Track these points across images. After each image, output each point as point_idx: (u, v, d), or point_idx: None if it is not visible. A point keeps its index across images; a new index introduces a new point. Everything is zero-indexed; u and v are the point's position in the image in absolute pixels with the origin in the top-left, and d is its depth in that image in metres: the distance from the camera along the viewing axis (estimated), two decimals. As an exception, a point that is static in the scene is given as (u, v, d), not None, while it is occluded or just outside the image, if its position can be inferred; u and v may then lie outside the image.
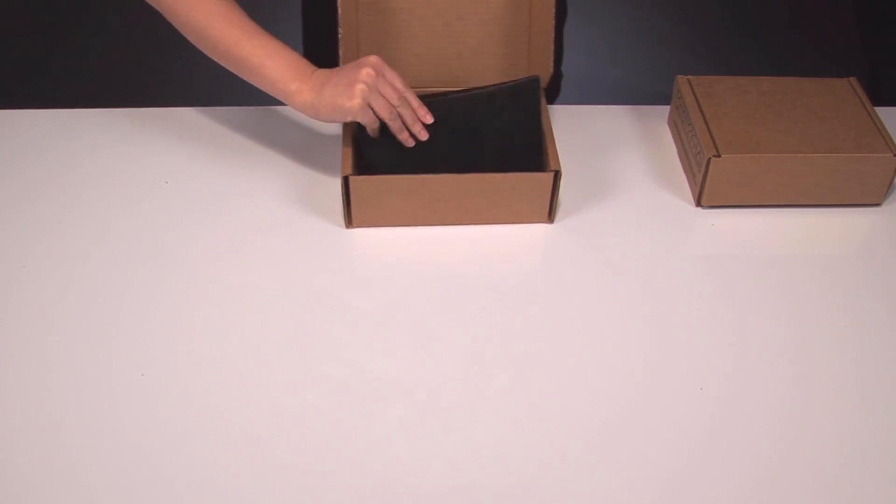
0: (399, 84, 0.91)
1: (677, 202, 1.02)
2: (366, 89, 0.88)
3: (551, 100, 1.15)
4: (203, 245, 0.94)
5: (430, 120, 0.92)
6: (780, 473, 0.76)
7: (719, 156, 0.96)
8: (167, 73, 1.22)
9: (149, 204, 0.99)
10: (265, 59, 0.88)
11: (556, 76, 0.99)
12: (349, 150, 0.94)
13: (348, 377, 0.83)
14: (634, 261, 0.94)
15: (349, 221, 0.96)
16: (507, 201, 0.91)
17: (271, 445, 0.77)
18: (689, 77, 1.08)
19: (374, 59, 0.89)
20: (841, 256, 0.96)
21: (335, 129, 1.09)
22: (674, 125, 1.10)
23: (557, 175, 0.93)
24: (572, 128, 1.10)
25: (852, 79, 1.08)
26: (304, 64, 0.90)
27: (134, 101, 1.13)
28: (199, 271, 0.92)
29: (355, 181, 0.91)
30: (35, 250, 0.93)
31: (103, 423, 0.78)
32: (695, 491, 0.75)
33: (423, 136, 0.93)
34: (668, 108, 1.12)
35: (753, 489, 0.75)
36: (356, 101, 0.88)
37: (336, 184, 1.00)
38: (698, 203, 1.01)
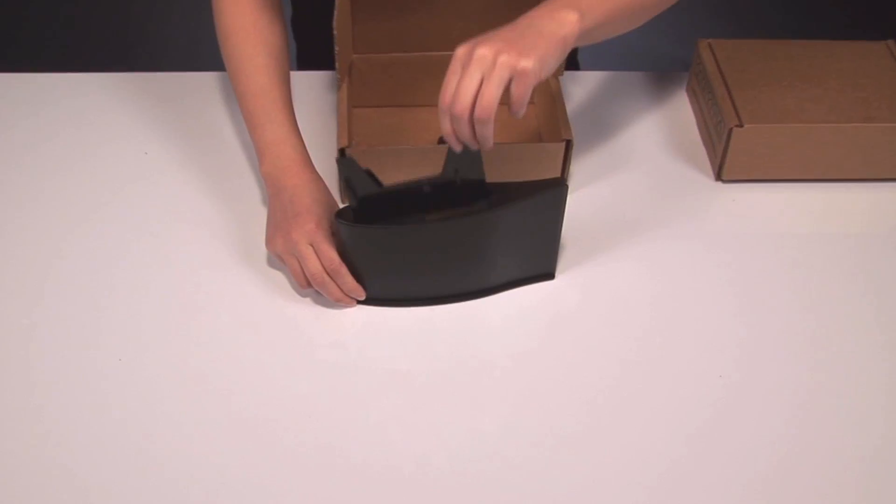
0: (330, 263, 0.82)
1: (696, 176, 1.01)
2: (282, 252, 0.84)
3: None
4: (186, 221, 0.94)
5: (361, 297, 0.84)
6: (801, 463, 0.75)
7: (742, 126, 0.95)
8: (146, 36, 1.19)
9: (127, 178, 0.99)
10: (257, 127, 0.89)
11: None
12: (345, 122, 0.92)
13: (343, 362, 0.82)
14: (649, 238, 0.93)
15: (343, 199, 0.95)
16: (517, 172, 0.90)
17: (262, 430, 0.77)
18: (710, 41, 1.07)
19: (311, 228, 0.82)
20: (872, 235, 0.95)
21: (331, 97, 1.07)
22: (693, 93, 1.09)
23: (569, 145, 0.92)
24: (584, 95, 1.09)
25: (890, 41, 1.06)
26: (288, 152, 0.88)
27: (111, 65, 1.11)
28: (181, 248, 0.91)
29: (353, 154, 0.89)
30: (6, 227, 0.93)
31: (83, 405, 0.78)
32: (707, 482, 0.74)
33: (351, 305, 0.85)
34: (686, 74, 1.12)
35: (774, 479, 0.74)
36: (272, 251, 0.85)
37: (330, 155, 0.98)
38: (718, 177, 1.00)
